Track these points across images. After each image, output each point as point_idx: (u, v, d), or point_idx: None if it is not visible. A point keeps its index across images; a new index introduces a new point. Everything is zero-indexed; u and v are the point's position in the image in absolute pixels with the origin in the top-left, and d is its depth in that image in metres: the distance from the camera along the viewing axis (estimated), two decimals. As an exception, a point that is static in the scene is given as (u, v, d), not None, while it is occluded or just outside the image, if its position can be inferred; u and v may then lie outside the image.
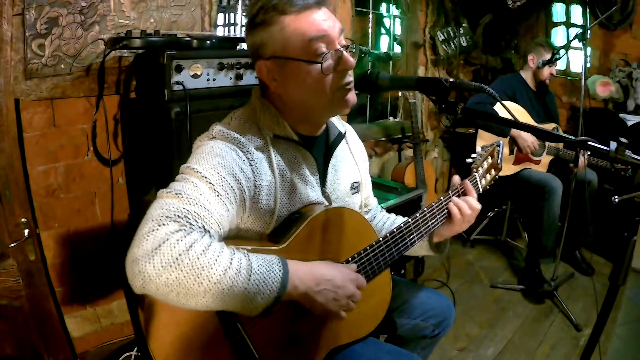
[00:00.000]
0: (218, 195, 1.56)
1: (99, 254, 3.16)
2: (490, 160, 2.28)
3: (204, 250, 1.39)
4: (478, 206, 2.08)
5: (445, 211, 2.07)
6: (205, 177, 1.56)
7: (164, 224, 1.40)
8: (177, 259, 1.35)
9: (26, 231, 2.46)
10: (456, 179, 2.15)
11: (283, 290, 1.48)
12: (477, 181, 2.18)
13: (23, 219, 2.47)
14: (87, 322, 3.20)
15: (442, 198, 2.07)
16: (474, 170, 2.20)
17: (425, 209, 2.02)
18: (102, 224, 3.17)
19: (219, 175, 1.59)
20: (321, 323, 1.82)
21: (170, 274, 1.34)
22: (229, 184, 1.60)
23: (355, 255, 1.83)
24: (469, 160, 2.24)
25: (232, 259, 1.42)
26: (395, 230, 1.91)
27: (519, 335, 3.86)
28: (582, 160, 4.46)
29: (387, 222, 2.30)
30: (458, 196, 2.08)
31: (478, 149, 2.31)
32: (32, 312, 2.58)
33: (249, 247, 1.64)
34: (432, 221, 2.04)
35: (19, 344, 2.56)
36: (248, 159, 1.70)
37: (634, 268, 4.57)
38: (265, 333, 1.66)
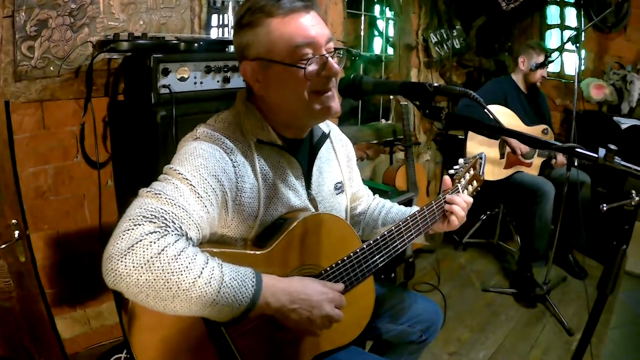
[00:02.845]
0: (198, 197, 1.56)
1: (89, 255, 3.15)
2: (472, 172, 2.29)
3: (175, 255, 1.39)
4: (470, 200, 2.15)
5: (436, 214, 2.09)
6: (187, 179, 1.56)
7: (139, 224, 1.41)
8: (148, 261, 1.36)
9: (16, 233, 2.46)
10: (447, 180, 2.17)
11: (252, 306, 1.49)
12: (459, 192, 2.18)
13: (13, 221, 2.47)
14: (77, 323, 3.20)
15: (433, 202, 2.08)
16: (457, 181, 2.20)
17: (417, 214, 2.03)
18: (92, 226, 3.17)
19: (200, 176, 1.59)
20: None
21: (140, 275, 1.35)
22: (211, 185, 1.60)
23: (339, 262, 1.83)
24: (451, 171, 2.25)
25: (203, 268, 1.42)
26: (379, 237, 1.91)
27: (510, 340, 3.85)
28: (561, 157, 4.49)
29: (382, 211, 2.32)
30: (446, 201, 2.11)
31: (460, 160, 2.32)
32: (22, 314, 2.58)
33: (231, 252, 1.66)
34: (422, 225, 2.05)
35: (9, 345, 2.57)
36: (231, 160, 1.69)
37: (628, 271, 4.58)
38: (249, 338, 1.66)
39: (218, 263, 1.48)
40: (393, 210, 2.31)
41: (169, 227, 1.45)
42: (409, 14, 5.40)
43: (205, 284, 1.41)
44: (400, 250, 2.00)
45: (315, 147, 1.98)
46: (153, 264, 1.36)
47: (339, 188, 2.10)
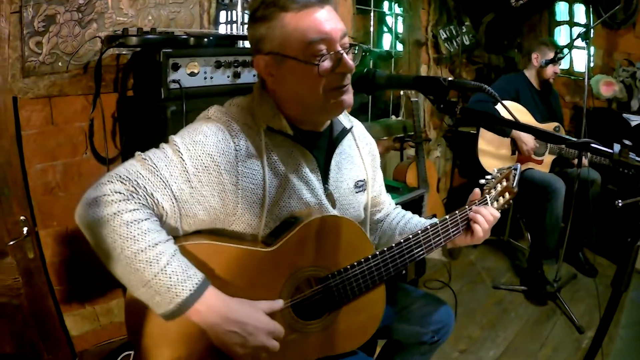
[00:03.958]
0: (185, 171, 1.61)
1: (98, 252, 3.14)
2: (504, 183, 2.21)
3: (128, 222, 1.47)
4: (497, 214, 2.08)
5: (460, 226, 2.04)
6: (180, 151, 1.62)
7: (111, 181, 1.52)
8: (103, 216, 1.46)
9: (25, 229, 2.45)
10: (476, 192, 2.13)
11: (184, 307, 1.50)
12: (487, 204, 2.11)
13: (22, 217, 2.47)
14: (86, 320, 3.19)
15: (457, 212, 2.03)
16: (486, 192, 2.14)
17: (438, 224, 1.98)
18: (101, 222, 3.14)
19: (195, 151, 1.63)
20: (311, 333, 1.81)
21: (95, 227, 1.47)
22: (203, 163, 1.63)
23: (349, 267, 1.82)
24: (482, 181, 2.18)
25: (150, 247, 1.48)
26: (394, 246, 1.88)
27: (520, 338, 3.83)
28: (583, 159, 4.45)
29: (402, 221, 2.26)
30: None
31: (494, 169, 2.25)
32: (31, 311, 2.57)
33: (234, 247, 1.67)
34: (443, 236, 2.00)
35: (18, 343, 2.55)
36: (234, 143, 1.69)
37: (638, 270, 4.54)
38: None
39: (172, 252, 1.52)
40: (412, 221, 2.25)
41: (137, 192, 1.53)
42: (418, 10, 5.39)
43: (147, 261, 1.46)
44: (417, 259, 1.96)
45: (334, 142, 1.95)
46: (107, 222, 1.46)
47: (360, 186, 2.06)
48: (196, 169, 1.61)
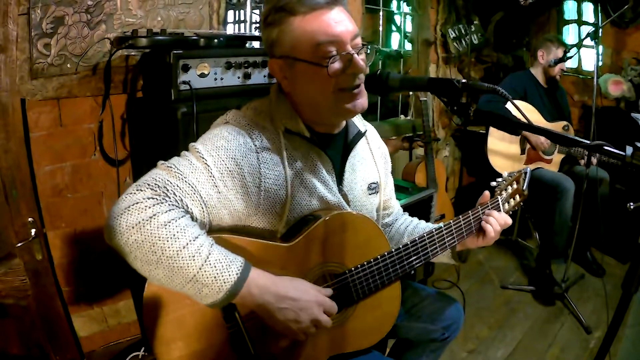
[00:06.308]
0: (211, 177, 1.61)
1: (106, 253, 3.12)
2: (515, 186, 2.25)
3: (165, 223, 1.46)
4: (509, 220, 2.11)
5: (472, 225, 2.06)
6: (203, 158, 1.62)
7: (141, 190, 1.51)
8: (139, 222, 1.45)
9: (33, 231, 2.45)
10: (486, 194, 2.15)
11: (234, 292, 1.51)
12: (499, 205, 2.15)
13: (30, 219, 2.46)
14: (94, 321, 3.19)
15: (470, 212, 2.06)
16: (497, 193, 2.17)
17: (452, 223, 2.01)
18: (109, 224, 3.14)
19: (218, 157, 1.64)
20: (326, 329, 1.79)
21: (131, 235, 1.44)
22: (227, 167, 1.64)
23: (365, 264, 1.82)
24: (493, 183, 2.22)
25: (191, 241, 1.48)
26: (409, 243, 1.90)
27: (528, 337, 3.82)
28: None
29: (410, 225, 2.28)
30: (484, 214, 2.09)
31: (504, 173, 2.28)
32: (39, 312, 2.57)
33: (252, 241, 1.68)
34: (456, 235, 2.03)
35: (25, 344, 2.55)
36: (255, 146, 1.71)
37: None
38: (264, 327, 1.66)
39: (210, 242, 1.53)
40: (420, 225, 2.28)
41: (168, 197, 1.53)
42: (427, 9, 5.37)
43: (190, 257, 1.47)
44: (432, 258, 1.98)
45: (349, 145, 1.96)
46: (143, 227, 1.45)
47: (373, 188, 2.08)
48: (221, 173, 1.62)
